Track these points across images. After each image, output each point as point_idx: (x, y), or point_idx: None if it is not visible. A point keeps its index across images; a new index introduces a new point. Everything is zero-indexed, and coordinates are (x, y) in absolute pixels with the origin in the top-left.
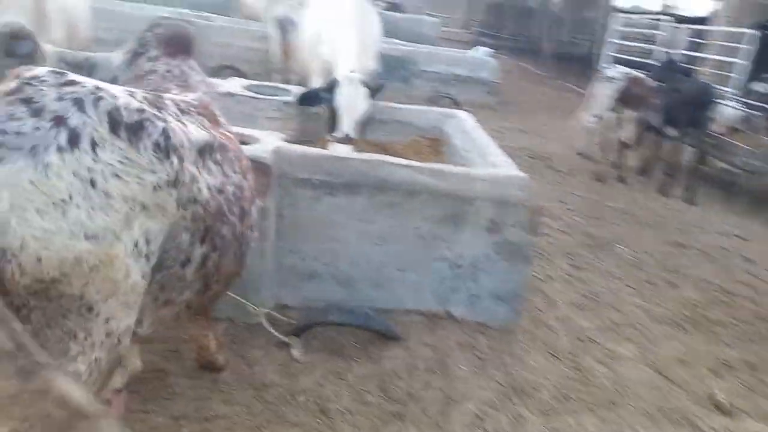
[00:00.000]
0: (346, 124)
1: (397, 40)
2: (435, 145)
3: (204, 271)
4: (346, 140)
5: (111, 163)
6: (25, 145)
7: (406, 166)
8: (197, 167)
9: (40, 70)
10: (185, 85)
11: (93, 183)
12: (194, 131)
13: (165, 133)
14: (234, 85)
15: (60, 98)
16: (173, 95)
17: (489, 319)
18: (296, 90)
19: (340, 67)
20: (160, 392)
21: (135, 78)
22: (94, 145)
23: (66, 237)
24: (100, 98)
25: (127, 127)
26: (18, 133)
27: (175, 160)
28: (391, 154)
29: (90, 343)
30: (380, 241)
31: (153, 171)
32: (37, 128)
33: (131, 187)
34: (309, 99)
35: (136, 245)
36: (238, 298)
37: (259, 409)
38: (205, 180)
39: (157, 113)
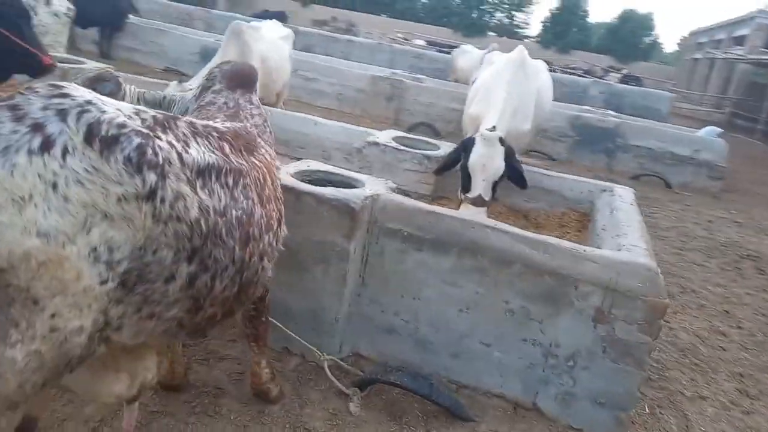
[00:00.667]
0: (478, 184)
1: (610, 111)
2: (584, 221)
3: (192, 292)
4: (479, 201)
5: (77, 171)
6: (1, 145)
7: (502, 230)
8: (191, 186)
9: (41, 84)
10: (233, 115)
11: (54, 186)
12: (196, 153)
13: (140, 148)
14: (385, 135)
15: (45, 108)
16: (199, 120)
17: (585, 425)
18: (446, 147)
19: (482, 125)
20: (207, 409)
21: (198, 109)
22: (65, 152)
23: (18, 232)
24: (85, 111)
25: (102, 140)
26: None
27: (150, 175)
28: (532, 224)
29: (31, 334)
30: (464, 307)
31: (120, 183)
32: (15, 131)
33: (92, 195)
34: (444, 168)
35: (94, 250)
36: (303, 342)
37: None
38: (200, 200)
39: (143, 132)
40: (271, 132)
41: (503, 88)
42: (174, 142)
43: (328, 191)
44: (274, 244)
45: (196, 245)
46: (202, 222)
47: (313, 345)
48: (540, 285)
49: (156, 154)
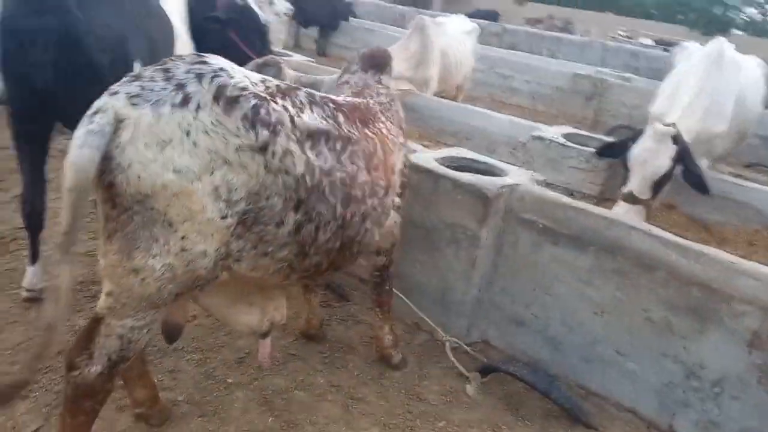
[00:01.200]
0: (635, 181)
1: None
2: None
3: (299, 238)
4: (630, 198)
5: (205, 123)
6: (152, 98)
7: (647, 232)
8: (301, 146)
9: (186, 55)
10: (359, 93)
11: (188, 133)
12: (308, 118)
13: (255, 108)
14: (553, 131)
15: (187, 72)
16: (322, 94)
17: None
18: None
19: (661, 120)
20: (336, 361)
21: (336, 87)
22: (198, 107)
23: (159, 166)
24: (217, 76)
25: (227, 99)
26: (151, 90)
27: (263, 132)
28: (714, 238)
29: (167, 249)
30: (600, 311)
31: (237, 135)
32: (164, 89)
33: (216, 143)
34: (607, 151)
35: (216, 189)
36: (428, 321)
37: (400, 411)
38: (307, 159)
39: (261, 95)
40: (398, 111)
41: (692, 84)
42: (289, 107)
43: (465, 176)
44: (380, 209)
45: (302, 197)
46: (308, 178)
47: (441, 323)
48: (686, 296)
49: (269, 114)
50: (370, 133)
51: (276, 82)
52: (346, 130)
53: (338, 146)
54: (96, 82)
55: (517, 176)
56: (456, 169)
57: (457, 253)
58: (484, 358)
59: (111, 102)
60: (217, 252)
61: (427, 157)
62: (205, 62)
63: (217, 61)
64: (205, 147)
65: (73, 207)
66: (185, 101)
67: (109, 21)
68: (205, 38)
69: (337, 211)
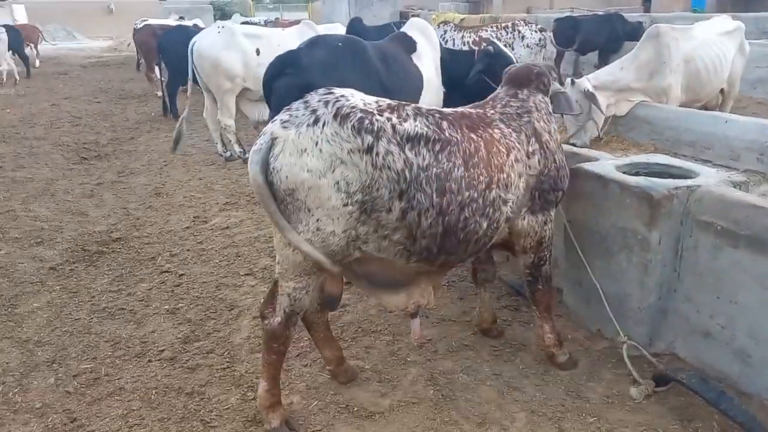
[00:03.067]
0: None
1: None
2: None
3: (406, 222)
4: None
5: (327, 135)
6: (295, 122)
7: None
8: (401, 147)
9: (320, 89)
10: (483, 104)
11: (316, 143)
12: (408, 126)
13: (360, 120)
14: None
15: (319, 101)
16: (426, 106)
17: None
18: None
19: None
20: (504, 355)
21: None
22: (324, 124)
23: (297, 168)
24: (337, 100)
25: (342, 116)
26: (296, 117)
27: (367, 137)
28: None
29: (308, 228)
30: None
31: (349, 141)
32: (303, 114)
33: (334, 149)
34: None
35: (337, 183)
36: (612, 317)
37: (554, 403)
38: (406, 157)
39: (367, 110)
40: (529, 121)
41: None
42: (393, 118)
43: (631, 179)
44: (481, 201)
45: (403, 188)
46: (407, 172)
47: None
48: None
49: (372, 124)
50: (474, 137)
51: (388, 101)
52: (447, 134)
53: (437, 147)
54: None
55: (708, 178)
56: (648, 174)
57: (629, 258)
58: (663, 368)
59: (269, 128)
60: (345, 233)
61: (605, 164)
62: (331, 92)
63: (340, 91)
64: (327, 152)
65: (262, 201)
66: (316, 121)
67: (343, 77)
68: (460, 83)
69: (434, 199)
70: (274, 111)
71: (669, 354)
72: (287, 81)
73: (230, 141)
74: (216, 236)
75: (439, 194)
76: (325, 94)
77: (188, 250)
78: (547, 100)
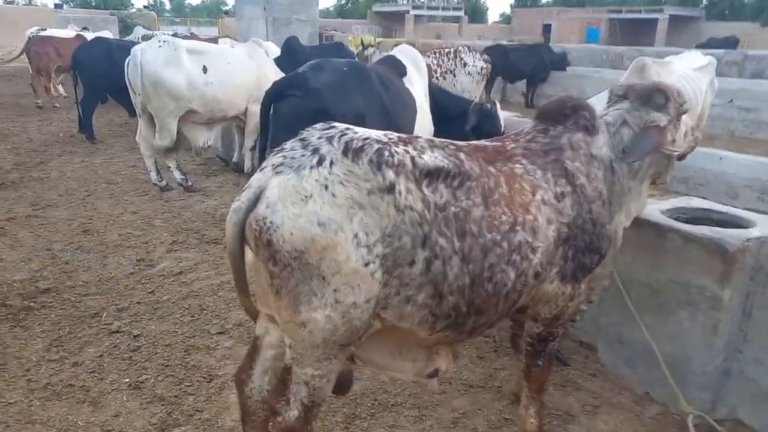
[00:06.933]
0: None
1: None
2: None
3: (431, 276)
4: None
5: (338, 174)
6: (294, 164)
7: None
8: (418, 184)
9: (318, 125)
10: (504, 137)
11: (326, 187)
12: (428, 159)
13: (379, 152)
14: None
15: (320, 137)
16: (439, 138)
17: None
18: None
19: None
20: (553, 428)
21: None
22: (331, 163)
23: (305, 222)
24: (344, 135)
25: (353, 151)
26: (293, 158)
27: (389, 173)
28: None
29: (324, 302)
30: None
31: (367, 180)
32: (303, 155)
33: (350, 191)
34: None
35: (356, 236)
36: (672, 382)
37: None
38: (423, 195)
39: (383, 141)
40: (557, 160)
41: None
42: (410, 150)
43: (697, 229)
44: (506, 246)
45: (426, 232)
46: (427, 213)
47: (675, 395)
48: None
49: (392, 156)
50: (494, 171)
51: (397, 135)
52: (465, 168)
53: (454, 183)
54: None
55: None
56: (688, 221)
57: (693, 316)
58: None
59: (256, 177)
60: (369, 303)
61: (652, 208)
62: (333, 127)
63: (341, 125)
64: (342, 196)
65: (232, 267)
66: (320, 161)
67: (352, 101)
68: (445, 121)
69: (455, 244)
70: (274, 136)
71: (732, 420)
72: (293, 103)
73: (170, 168)
74: (169, 284)
75: (459, 237)
76: (326, 129)
77: (138, 302)
78: (590, 139)
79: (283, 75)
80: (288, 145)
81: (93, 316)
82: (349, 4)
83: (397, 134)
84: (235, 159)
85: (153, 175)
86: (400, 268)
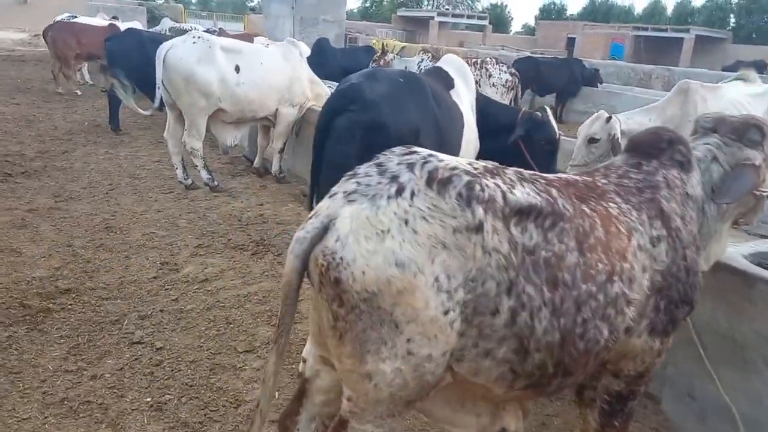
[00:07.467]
0: None
1: None
2: None
3: (515, 329)
4: None
5: (421, 208)
6: (369, 192)
7: None
8: (506, 222)
9: (396, 148)
10: (593, 172)
11: (406, 222)
12: (520, 195)
13: (469, 185)
14: None
15: (399, 163)
16: (527, 171)
17: None
18: None
19: None
20: None
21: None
22: (413, 194)
23: (381, 260)
24: (427, 162)
25: (438, 181)
26: (368, 185)
27: (478, 209)
28: None
29: (394, 353)
30: None
31: (454, 216)
32: (379, 183)
33: (434, 228)
34: None
35: (436, 279)
36: None
37: None
38: (511, 235)
39: (472, 172)
40: (652, 199)
41: None
42: (500, 183)
43: None
44: (602, 299)
45: (512, 278)
46: (513, 256)
47: None
48: None
49: (483, 191)
50: (587, 211)
51: (484, 163)
52: (559, 206)
53: (546, 223)
54: None
55: None
56: None
57: None
58: None
59: (324, 205)
60: (443, 356)
61: (732, 252)
62: (414, 152)
63: (423, 150)
64: (424, 233)
65: (283, 302)
66: (400, 191)
67: (410, 115)
68: (492, 134)
69: (545, 294)
70: (328, 153)
71: None
72: (350, 119)
73: (197, 166)
74: (194, 292)
75: (550, 287)
76: (406, 153)
77: (161, 310)
78: (685, 177)
79: (315, 77)
80: (362, 169)
81: (113, 323)
82: (373, 7)
83: (482, 163)
84: (256, 164)
85: (179, 173)
86: (481, 317)
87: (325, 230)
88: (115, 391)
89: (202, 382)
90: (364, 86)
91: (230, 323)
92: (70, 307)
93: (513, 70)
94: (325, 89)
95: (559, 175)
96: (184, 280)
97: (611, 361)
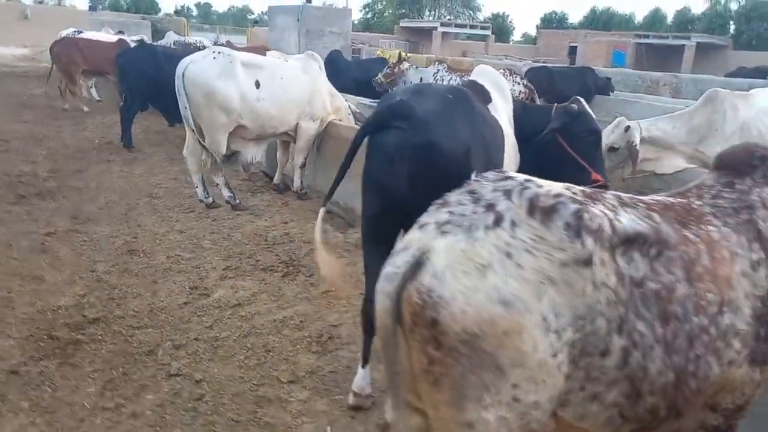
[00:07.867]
0: None
1: None
2: None
3: (627, 371)
4: None
5: (524, 240)
6: (464, 223)
7: None
8: (613, 253)
9: (490, 172)
10: (683, 193)
11: (509, 255)
12: (626, 223)
13: (577, 213)
14: None
15: (494, 190)
16: (625, 194)
17: None
18: None
19: None
20: None
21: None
22: (513, 224)
23: (483, 297)
24: (525, 189)
25: (542, 210)
26: (462, 215)
27: (588, 240)
28: None
29: (498, 399)
30: None
31: (561, 248)
32: (474, 212)
33: (540, 262)
34: None
35: (544, 319)
36: None
37: None
38: (617, 266)
39: (577, 199)
40: (750, 221)
41: None
42: (606, 210)
43: None
44: (713, 332)
45: (622, 314)
46: (621, 289)
47: None
48: None
49: (592, 220)
50: (690, 237)
51: (579, 188)
52: (663, 233)
53: (652, 251)
54: (443, 191)
55: None
56: None
57: None
58: None
59: (413, 236)
60: (550, 402)
61: None
62: (509, 177)
63: (519, 175)
64: (530, 268)
65: (384, 349)
66: (498, 221)
67: (462, 134)
68: (530, 139)
69: (656, 330)
70: (370, 173)
71: None
72: (399, 137)
73: (218, 184)
74: (228, 318)
75: (662, 322)
76: (501, 179)
77: (196, 339)
78: None
79: (334, 90)
80: (453, 197)
81: (148, 354)
82: (374, 18)
83: (580, 188)
84: (276, 180)
85: (199, 191)
86: (589, 358)
87: (417, 265)
88: (157, 429)
89: (248, 416)
90: (413, 103)
91: (269, 351)
92: (100, 337)
93: (527, 81)
94: (344, 102)
95: (654, 197)
96: (216, 306)
97: (709, 394)
